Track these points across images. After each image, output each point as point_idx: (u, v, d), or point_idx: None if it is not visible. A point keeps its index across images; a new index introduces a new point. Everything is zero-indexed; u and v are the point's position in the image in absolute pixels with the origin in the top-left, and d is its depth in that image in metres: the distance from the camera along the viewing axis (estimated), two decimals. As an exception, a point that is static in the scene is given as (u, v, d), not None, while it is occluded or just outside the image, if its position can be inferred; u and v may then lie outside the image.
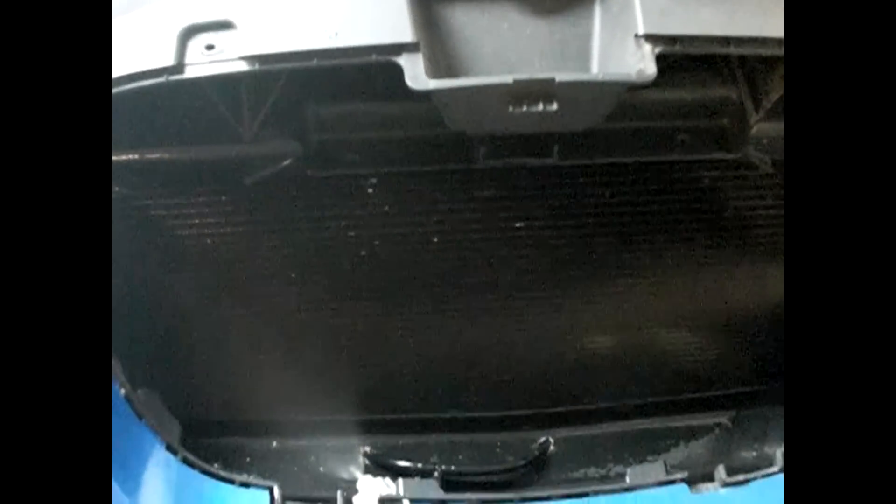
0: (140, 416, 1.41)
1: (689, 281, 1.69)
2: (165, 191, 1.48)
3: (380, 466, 1.69)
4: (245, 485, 1.44)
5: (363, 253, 1.65)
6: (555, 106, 1.25)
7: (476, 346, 1.76)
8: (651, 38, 1.27)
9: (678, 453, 1.73)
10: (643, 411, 1.80)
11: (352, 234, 1.63)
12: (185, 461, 1.44)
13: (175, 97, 1.35)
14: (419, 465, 1.66)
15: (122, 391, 1.40)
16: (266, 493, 1.44)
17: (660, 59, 1.27)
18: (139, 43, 1.28)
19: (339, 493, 1.43)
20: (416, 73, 1.23)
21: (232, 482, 1.44)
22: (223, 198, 1.52)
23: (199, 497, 1.43)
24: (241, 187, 1.48)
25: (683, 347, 1.79)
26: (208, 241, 1.59)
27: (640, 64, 1.26)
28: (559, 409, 1.78)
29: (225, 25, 1.29)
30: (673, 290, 1.71)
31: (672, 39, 1.28)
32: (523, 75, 1.24)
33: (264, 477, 1.62)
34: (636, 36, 1.27)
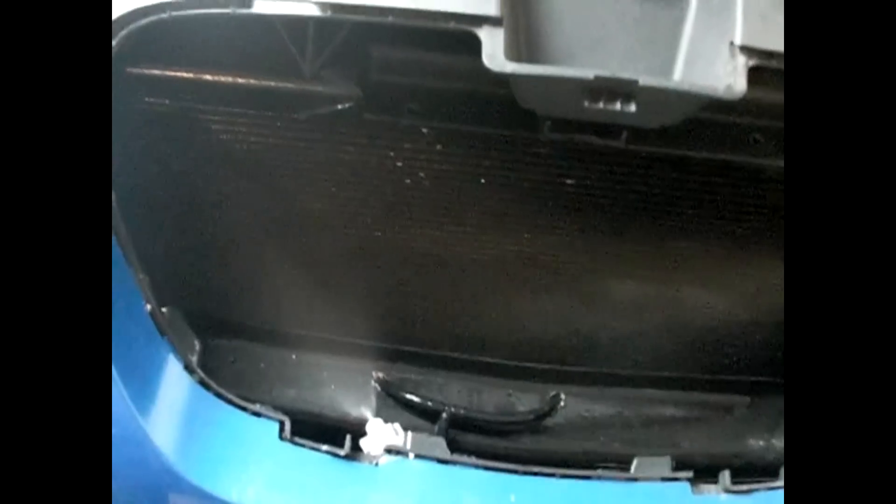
0: (162, 334, 1.41)
1: (727, 273, 1.65)
2: (217, 108, 1.43)
3: (389, 396, 1.70)
4: (256, 414, 1.45)
5: (407, 181, 1.61)
6: (633, 108, 1.19)
7: (505, 293, 1.74)
8: (747, 51, 1.19)
9: (687, 432, 1.74)
10: (659, 383, 1.79)
11: (399, 163, 1.58)
12: (202, 383, 1.45)
13: (239, 24, 1.28)
14: (428, 402, 1.67)
15: (148, 307, 1.39)
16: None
17: (752, 71, 1.20)
18: (209, -33, 1.22)
19: (347, 438, 1.44)
20: (494, 52, 1.17)
21: (244, 410, 1.45)
22: (276, 122, 1.48)
23: (210, 418, 1.45)
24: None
25: (710, 329, 1.75)
26: (253, 149, 1.56)
27: (730, 78, 1.19)
28: (576, 368, 1.77)
29: (301, -41, 1.22)
30: (710, 280, 1.67)
31: (769, 54, 1.21)
32: (605, 72, 1.17)
33: (275, 391, 1.67)
34: (731, 44, 1.20)
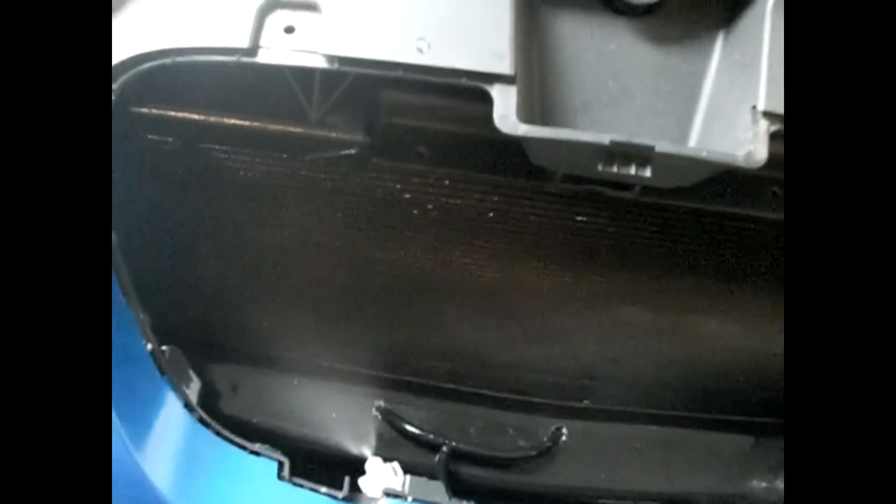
0: (162, 373, 1.39)
1: (732, 314, 1.62)
2: (220, 146, 1.40)
3: (389, 425, 1.68)
4: (255, 454, 1.43)
5: (414, 212, 1.58)
6: (648, 173, 1.15)
7: (509, 324, 1.71)
8: (769, 116, 1.14)
9: (690, 471, 1.71)
10: (662, 421, 1.76)
11: (407, 195, 1.55)
12: (201, 421, 1.43)
13: (245, 68, 1.24)
14: (429, 436, 1.64)
15: (149, 346, 1.37)
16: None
17: (774, 136, 1.16)
18: (214, 11, 1.17)
19: (346, 480, 1.43)
20: (506, 112, 1.13)
21: (244, 448, 1.43)
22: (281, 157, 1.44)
23: (208, 457, 1.43)
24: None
25: (714, 369, 1.72)
26: (256, 181, 1.52)
27: (751, 144, 1.14)
28: (579, 404, 1.74)
29: (309, 6, 1.18)
30: (716, 321, 1.63)
31: (793, 120, 1.16)
32: (620, 137, 1.13)
33: (275, 419, 1.65)
34: (753, 108, 1.16)
